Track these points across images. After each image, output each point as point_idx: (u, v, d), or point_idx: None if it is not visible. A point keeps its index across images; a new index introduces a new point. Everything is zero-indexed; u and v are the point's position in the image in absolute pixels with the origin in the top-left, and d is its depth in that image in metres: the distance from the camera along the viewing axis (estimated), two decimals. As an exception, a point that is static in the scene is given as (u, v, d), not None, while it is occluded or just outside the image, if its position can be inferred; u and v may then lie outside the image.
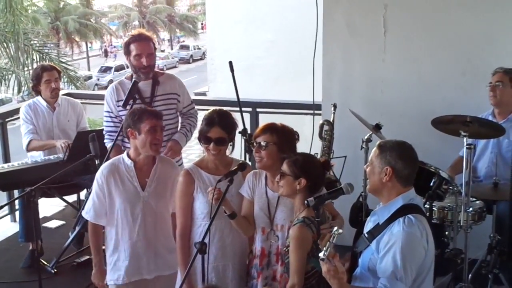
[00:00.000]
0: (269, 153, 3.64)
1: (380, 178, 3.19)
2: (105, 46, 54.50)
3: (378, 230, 3.18)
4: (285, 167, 3.46)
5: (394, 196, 3.20)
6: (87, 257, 5.62)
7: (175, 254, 3.98)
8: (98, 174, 3.97)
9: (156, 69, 5.04)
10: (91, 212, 3.99)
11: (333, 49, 5.68)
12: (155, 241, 4.04)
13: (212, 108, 3.96)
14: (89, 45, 50.17)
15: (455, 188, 4.46)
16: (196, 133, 4.87)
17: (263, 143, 3.65)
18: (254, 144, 3.72)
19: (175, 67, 46.11)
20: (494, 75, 5.01)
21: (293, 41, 10.38)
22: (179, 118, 5.07)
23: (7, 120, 6.86)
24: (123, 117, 4.71)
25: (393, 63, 5.56)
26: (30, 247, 5.71)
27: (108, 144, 4.92)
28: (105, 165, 4.03)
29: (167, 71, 5.35)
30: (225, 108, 3.98)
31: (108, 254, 4.09)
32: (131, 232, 3.98)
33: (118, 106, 4.91)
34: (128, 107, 4.69)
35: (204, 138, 3.80)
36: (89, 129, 6.18)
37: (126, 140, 4.66)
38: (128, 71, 5.07)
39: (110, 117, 4.97)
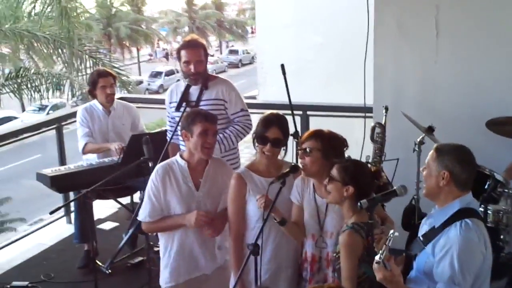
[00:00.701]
0: (313, 160, 3.63)
1: (437, 182, 3.16)
2: (166, 50, 55.13)
3: (434, 233, 3.15)
4: (334, 172, 3.44)
5: (451, 200, 3.16)
6: (141, 258, 5.73)
7: (224, 250, 4.07)
8: (153, 175, 4.01)
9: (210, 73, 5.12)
10: (149, 213, 3.99)
11: (384, 51, 5.64)
12: (210, 239, 4.07)
13: (262, 111, 3.99)
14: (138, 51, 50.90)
15: (510, 191, 4.39)
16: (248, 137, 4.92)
17: (307, 149, 3.64)
18: (300, 150, 3.71)
19: (224, 71, 46.39)
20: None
21: (343, 44, 10.34)
22: None
23: (62, 124, 7.01)
24: (176, 119, 4.83)
25: (446, 65, 5.48)
26: (86, 248, 5.84)
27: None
28: (159, 165, 4.07)
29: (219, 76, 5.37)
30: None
31: (164, 256, 4.12)
32: (188, 231, 4.01)
33: (170, 108, 5.09)
34: (182, 109, 4.79)
35: (261, 138, 3.80)
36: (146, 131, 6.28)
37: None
38: (179, 76, 5.16)
39: (168, 117, 5.23)
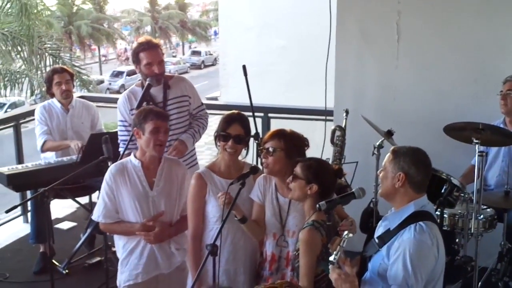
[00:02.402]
0: (276, 159, 3.65)
1: (393, 183, 3.19)
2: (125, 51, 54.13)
3: (388, 235, 3.19)
4: (298, 170, 3.47)
5: (406, 202, 3.19)
6: (98, 258, 5.68)
7: (182, 251, 4.07)
8: (107, 174, 4.00)
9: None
10: (102, 213, 3.99)
11: (346, 55, 5.69)
12: (167, 240, 4.06)
13: (224, 112, 3.99)
14: (100, 50, 50.35)
15: (466, 196, 4.46)
16: (205, 137, 4.92)
17: (270, 149, 3.66)
18: (263, 149, 3.72)
19: (186, 72, 46.20)
20: (504, 83, 5.01)
21: (305, 47, 10.39)
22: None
23: (20, 122, 6.91)
24: None
25: (406, 70, 5.56)
26: (41, 249, 5.75)
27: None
28: (113, 165, 4.07)
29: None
30: (237, 113, 4.01)
31: (122, 255, 4.09)
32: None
33: (132, 115, 4.80)
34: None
35: (222, 136, 3.81)
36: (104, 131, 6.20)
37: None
38: (139, 77, 5.06)
39: (124, 126, 4.91)
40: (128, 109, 4.89)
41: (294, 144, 3.69)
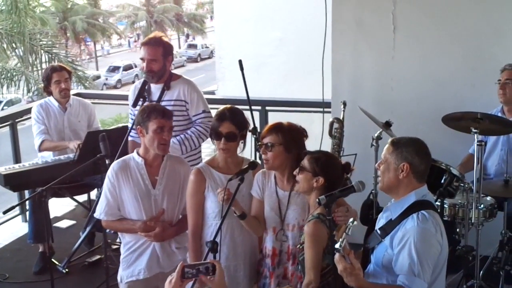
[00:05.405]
0: (275, 154, 3.62)
1: (396, 174, 3.19)
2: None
3: (391, 226, 3.18)
4: (305, 162, 3.45)
5: (409, 192, 3.19)
6: (98, 256, 5.65)
7: (183, 249, 4.06)
8: (109, 171, 3.97)
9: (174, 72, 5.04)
10: (104, 210, 3.97)
11: (342, 47, 5.66)
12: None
13: (221, 106, 3.96)
14: (96, 45, 50.14)
15: (466, 185, 4.45)
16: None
17: (269, 144, 3.63)
18: (261, 145, 3.69)
19: (183, 66, 46.05)
20: (502, 72, 4.99)
21: (302, 39, 10.34)
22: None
23: (17, 120, 6.87)
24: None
25: (403, 60, 5.54)
26: (40, 249, 5.72)
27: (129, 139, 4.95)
28: (115, 162, 4.04)
29: (175, 71, 5.29)
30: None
31: (125, 252, 4.09)
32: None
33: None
34: (138, 106, 4.71)
35: (215, 134, 3.79)
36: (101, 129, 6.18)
37: None
38: (137, 70, 5.10)
39: (130, 114, 5.05)
40: (131, 99, 4.96)
41: (292, 137, 3.65)
